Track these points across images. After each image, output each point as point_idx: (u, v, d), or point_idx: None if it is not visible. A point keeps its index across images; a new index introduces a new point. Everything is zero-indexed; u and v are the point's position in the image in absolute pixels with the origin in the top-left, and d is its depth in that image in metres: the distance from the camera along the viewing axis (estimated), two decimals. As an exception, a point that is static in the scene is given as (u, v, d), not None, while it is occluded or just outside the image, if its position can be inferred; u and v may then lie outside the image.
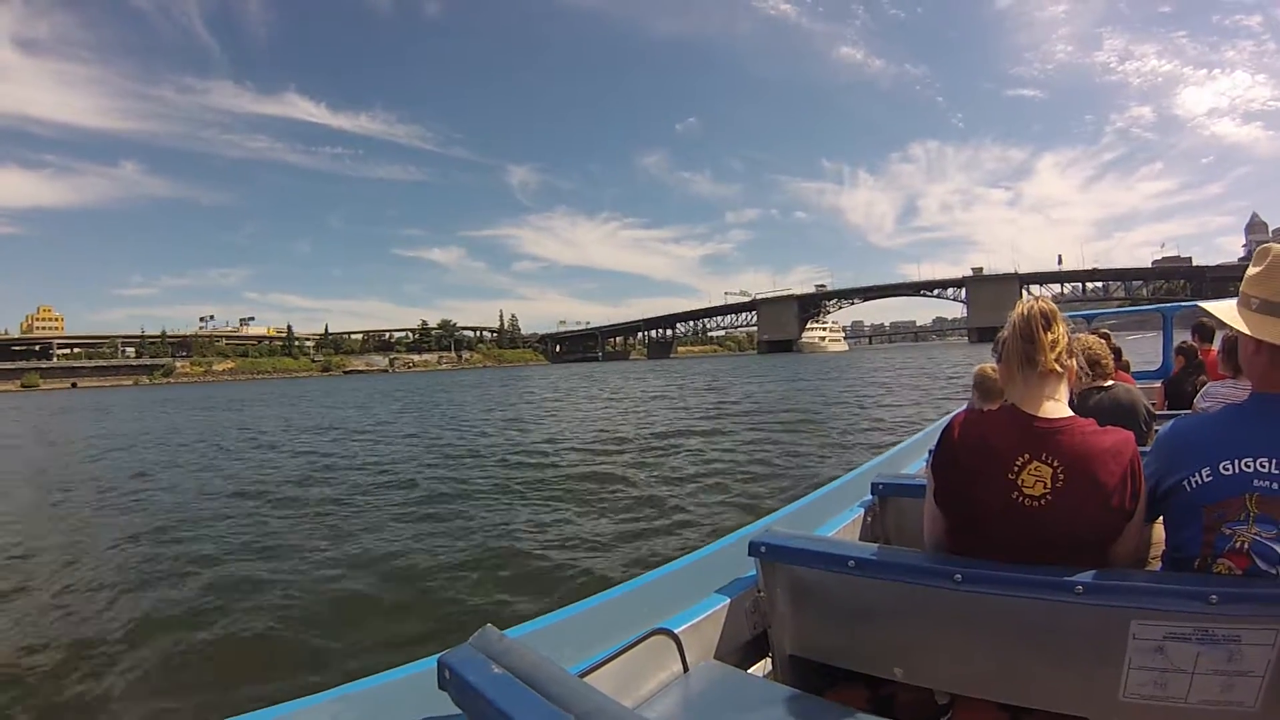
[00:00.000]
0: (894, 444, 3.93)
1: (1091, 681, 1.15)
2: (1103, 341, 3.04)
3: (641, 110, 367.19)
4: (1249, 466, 1.10)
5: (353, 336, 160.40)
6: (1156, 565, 1.33)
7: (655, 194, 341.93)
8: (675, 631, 1.36)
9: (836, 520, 2.06)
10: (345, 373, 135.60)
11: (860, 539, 2.08)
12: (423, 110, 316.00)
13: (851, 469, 2.82)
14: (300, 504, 8.17)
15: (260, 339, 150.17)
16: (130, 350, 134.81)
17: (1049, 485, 1.20)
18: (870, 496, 2.18)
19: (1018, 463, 1.22)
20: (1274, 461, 1.08)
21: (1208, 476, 1.14)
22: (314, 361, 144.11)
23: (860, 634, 1.42)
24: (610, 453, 11.30)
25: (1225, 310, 1.27)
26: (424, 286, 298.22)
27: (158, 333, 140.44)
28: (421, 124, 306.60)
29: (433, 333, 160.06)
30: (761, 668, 1.56)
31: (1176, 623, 1.07)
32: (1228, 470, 1.11)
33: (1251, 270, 1.22)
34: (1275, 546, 1.07)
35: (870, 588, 1.35)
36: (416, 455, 12.28)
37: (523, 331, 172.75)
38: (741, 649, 1.53)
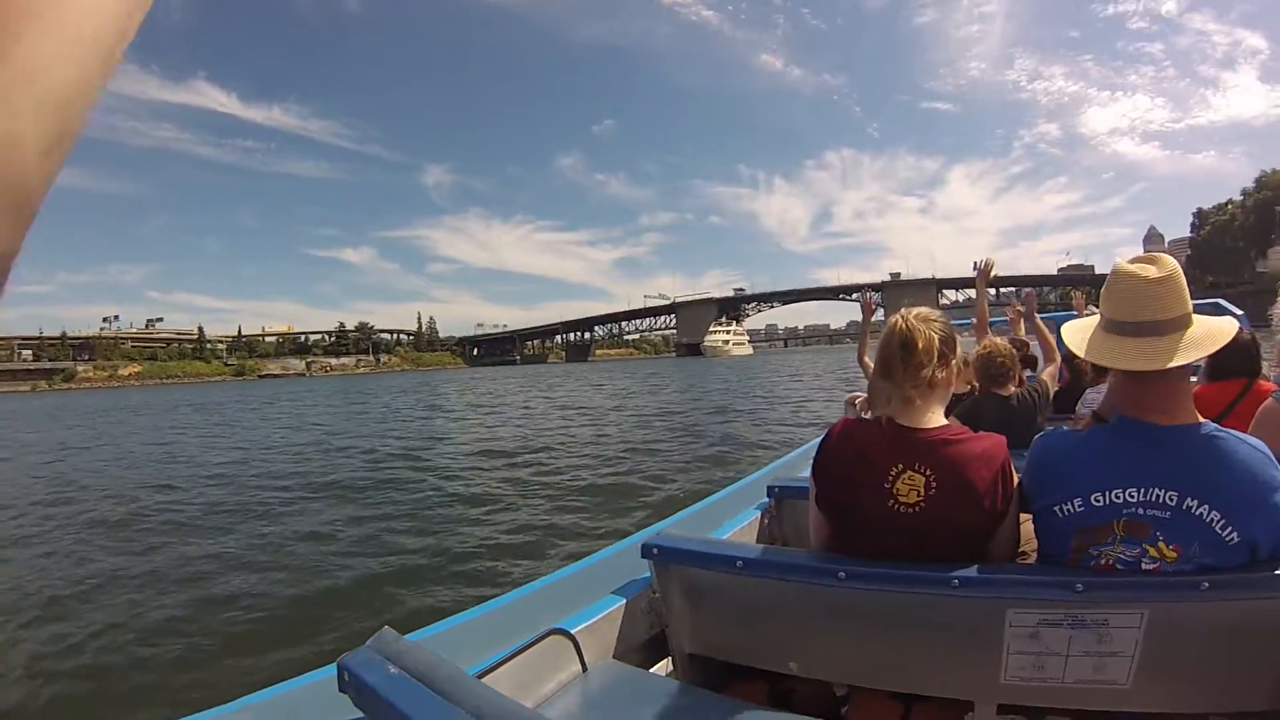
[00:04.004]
0: (790, 448, 3.95)
1: (974, 667, 1.20)
2: (1014, 351, 2.95)
3: (559, 112, 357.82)
4: (1119, 498, 1.15)
5: (267, 339, 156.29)
6: (1033, 559, 1.38)
7: (570, 196, 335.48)
8: (572, 632, 1.37)
9: (732, 523, 2.07)
10: (260, 377, 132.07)
11: (757, 541, 2.10)
12: (338, 105, 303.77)
13: (748, 473, 2.90)
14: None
15: (169, 341, 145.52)
16: (27, 353, 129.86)
17: (922, 493, 1.24)
18: (766, 499, 2.20)
19: (892, 472, 1.26)
20: (1142, 490, 1.13)
21: (1079, 506, 1.18)
22: (227, 365, 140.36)
23: (755, 631, 1.46)
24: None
25: (1078, 329, 1.30)
26: (337, 287, 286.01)
27: (57, 334, 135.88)
28: (336, 119, 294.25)
29: (350, 335, 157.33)
30: (663, 667, 1.58)
31: (1048, 610, 1.14)
32: (1099, 501, 1.16)
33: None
34: (1139, 563, 1.14)
35: (760, 586, 1.38)
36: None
37: (440, 334, 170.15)
38: (641, 648, 1.54)
